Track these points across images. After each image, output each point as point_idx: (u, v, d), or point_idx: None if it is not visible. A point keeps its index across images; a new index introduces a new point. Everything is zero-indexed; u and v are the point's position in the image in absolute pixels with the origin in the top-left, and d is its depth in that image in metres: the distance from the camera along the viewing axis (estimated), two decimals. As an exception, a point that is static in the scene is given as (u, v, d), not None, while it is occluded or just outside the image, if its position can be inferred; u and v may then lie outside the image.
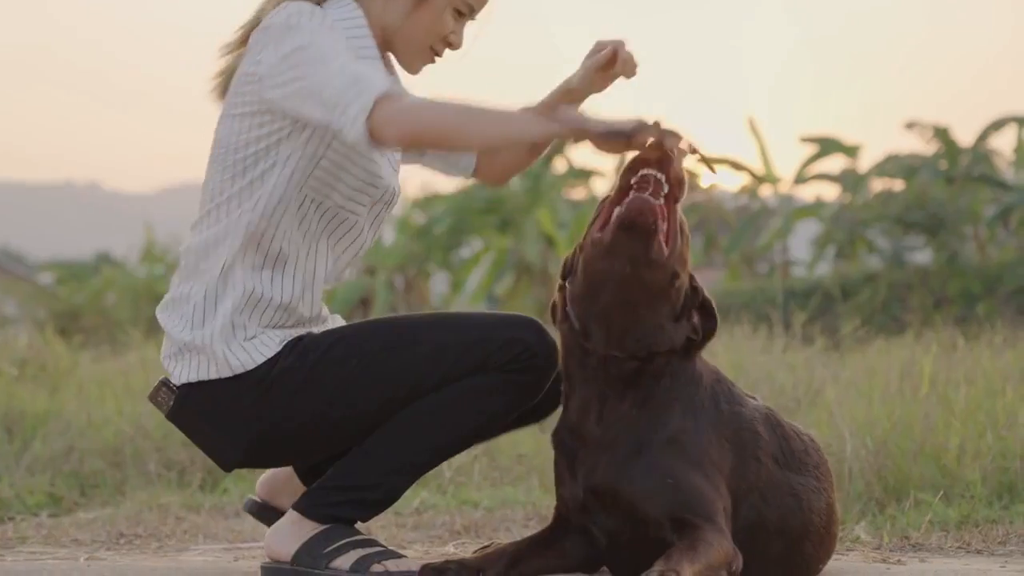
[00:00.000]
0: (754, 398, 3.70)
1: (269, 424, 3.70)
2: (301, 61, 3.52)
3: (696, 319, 3.58)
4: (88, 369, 8.87)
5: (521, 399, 3.75)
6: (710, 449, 3.52)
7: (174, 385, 3.79)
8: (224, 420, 3.74)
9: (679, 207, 3.49)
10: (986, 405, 5.85)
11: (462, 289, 34.67)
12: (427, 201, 35.70)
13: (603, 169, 35.58)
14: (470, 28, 3.82)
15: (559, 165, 34.81)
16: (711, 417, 3.55)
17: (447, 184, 39.99)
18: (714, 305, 3.60)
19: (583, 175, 35.43)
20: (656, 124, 3.35)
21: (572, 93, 3.88)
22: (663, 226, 3.41)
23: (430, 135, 3.46)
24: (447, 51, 3.82)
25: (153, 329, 11.70)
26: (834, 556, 4.00)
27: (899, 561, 4.18)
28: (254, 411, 3.70)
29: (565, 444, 3.63)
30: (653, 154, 3.40)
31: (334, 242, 3.79)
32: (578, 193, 35.97)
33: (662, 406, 3.54)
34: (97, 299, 26.51)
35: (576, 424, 3.60)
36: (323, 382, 3.69)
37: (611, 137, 3.35)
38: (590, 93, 3.89)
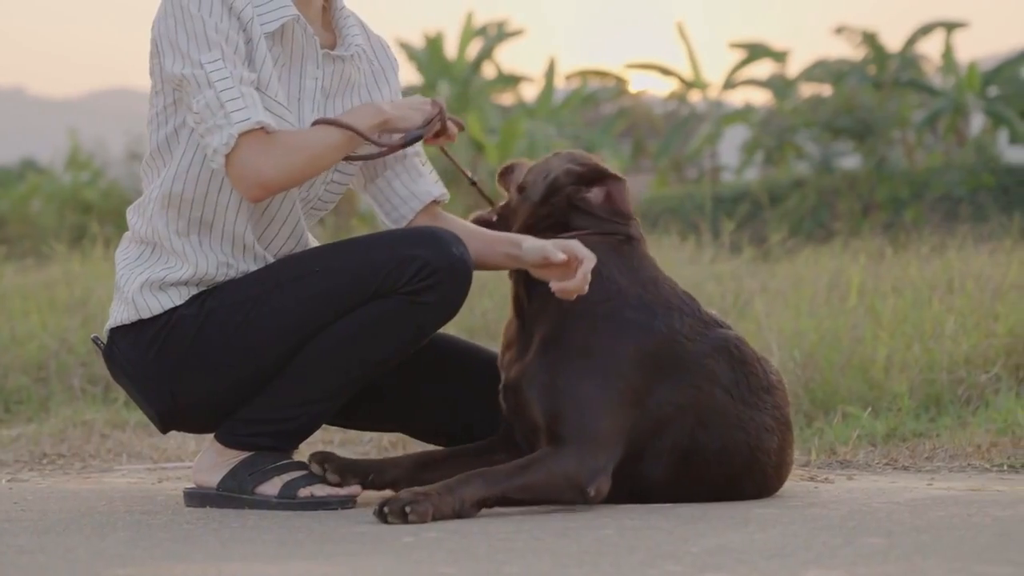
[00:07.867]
0: (722, 326, 3.65)
1: (171, 376, 3.64)
2: (187, 71, 3.50)
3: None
4: (11, 281, 8.73)
5: (433, 318, 3.62)
6: (621, 364, 3.51)
7: (100, 342, 3.77)
8: (137, 376, 3.70)
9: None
10: (913, 316, 5.87)
11: (391, 196, 34.48)
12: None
13: (531, 75, 35.35)
14: None
15: (488, 70, 34.59)
16: (634, 334, 3.54)
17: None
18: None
19: (512, 80, 35.21)
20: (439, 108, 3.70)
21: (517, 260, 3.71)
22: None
23: (283, 180, 3.54)
24: None
25: (77, 240, 11.55)
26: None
27: (827, 479, 4.17)
28: (157, 364, 3.64)
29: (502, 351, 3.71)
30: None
31: (257, 216, 3.70)
32: (507, 99, 35.76)
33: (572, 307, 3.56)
34: (22, 206, 26.15)
35: (508, 326, 3.72)
36: (219, 329, 3.61)
37: (410, 142, 3.69)
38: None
